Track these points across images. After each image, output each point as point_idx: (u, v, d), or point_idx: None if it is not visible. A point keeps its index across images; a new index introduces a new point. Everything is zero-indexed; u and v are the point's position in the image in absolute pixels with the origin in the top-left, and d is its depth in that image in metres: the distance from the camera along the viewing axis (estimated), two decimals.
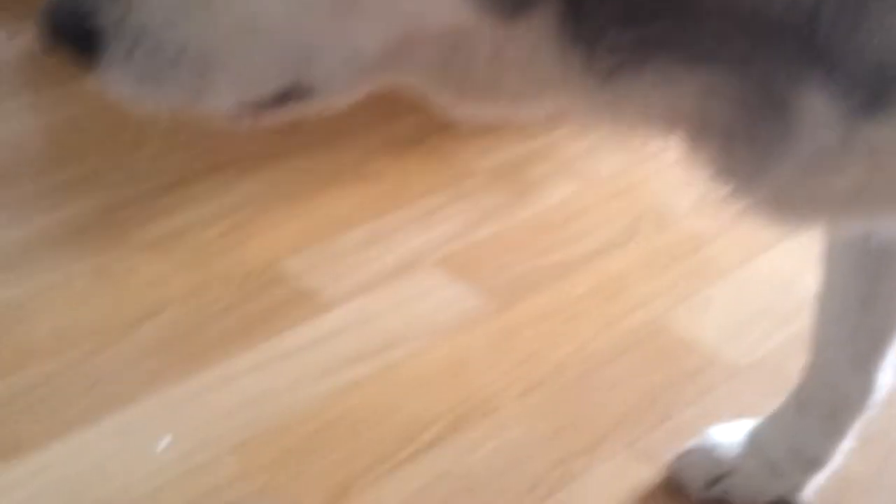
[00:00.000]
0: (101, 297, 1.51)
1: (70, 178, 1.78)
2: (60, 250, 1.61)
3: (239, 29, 0.64)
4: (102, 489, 1.23)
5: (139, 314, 1.48)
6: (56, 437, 1.30)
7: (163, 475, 1.25)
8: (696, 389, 1.34)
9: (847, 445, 1.16)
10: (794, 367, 1.17)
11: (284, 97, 0.67)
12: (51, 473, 1.26)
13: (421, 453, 1.28)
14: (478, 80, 0.69)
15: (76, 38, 0.64)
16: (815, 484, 1.18)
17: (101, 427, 1.31)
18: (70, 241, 1.64)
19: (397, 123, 1.83)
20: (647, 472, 1.24)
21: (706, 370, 1.37)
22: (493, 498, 1.21)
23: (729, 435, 1.21)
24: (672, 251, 1.56)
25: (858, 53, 0.63)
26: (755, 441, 1.19)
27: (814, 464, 1.17)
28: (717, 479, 1.19)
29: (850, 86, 0.65)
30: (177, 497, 1.22)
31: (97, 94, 0.67)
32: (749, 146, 0.69)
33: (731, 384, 1.35)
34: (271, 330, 1.45)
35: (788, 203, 0.73)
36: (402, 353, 1.41)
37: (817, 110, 0.65)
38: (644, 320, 1.44)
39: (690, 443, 1.22)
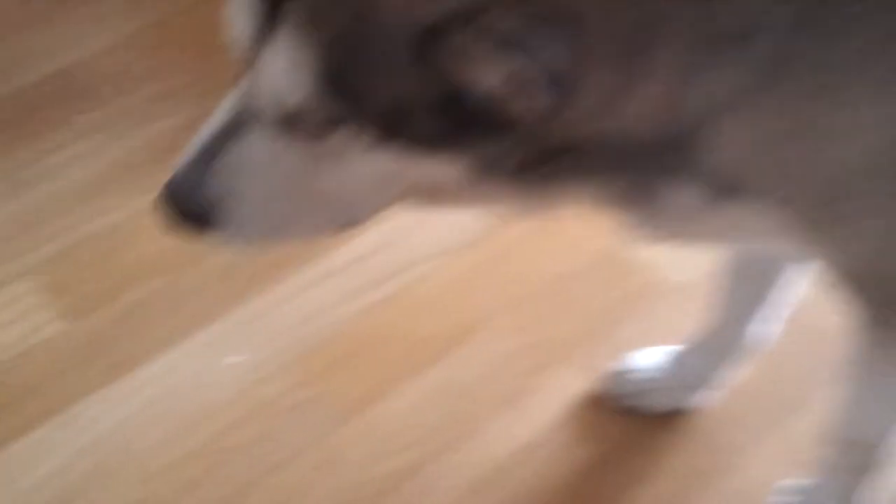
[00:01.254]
0: None
1: (154, 93, 2.10)
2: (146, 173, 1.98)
3: (310, 217, 1.05)
4: (196, 399, 1.66)
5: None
6: (157, 353, 1.72)
7: (239, 384, 1.68)
8: (636, 308, 1.74)
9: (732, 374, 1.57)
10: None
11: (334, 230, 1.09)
12: (156, 385, 1.68)
13: (430, 365, 1.70)
14: (450, 198, 1.07)
15: (195, 224, 1.05)
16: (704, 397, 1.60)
17: (189, 344, 1.74)
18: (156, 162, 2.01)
19: None
20: (588, 385, 1.66)
21: (647, 290, 1.76)
22: (477, 407, 1.64)
23: (644, 360, 1.62)
24: None
25: (710, 170, 1.01)
26: (663, 367, 1.61)
27: (704, 386, 1.59)
28: (632, 396, 1.61)
29: (707, 185, 1.03)
30: (253, 402, 1.65)
31: None
32: (637, 209, 1.09)
33: (666, 303, 1.75)
34: (315, 252, 1.85)
35: (677, 234, 1.15)
36: (416, 275, 1.82)
37: (683, 194, 1.04)
38: (605, 243, 1.83)
39: (617, 363, 1.64)
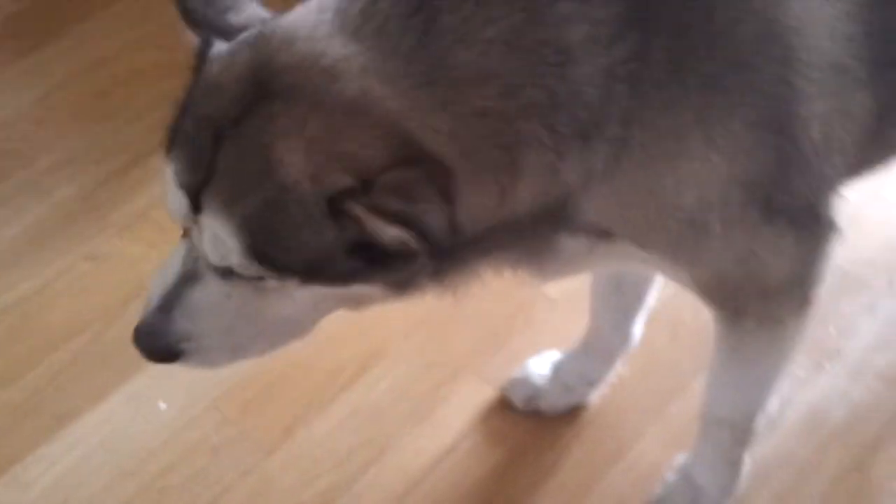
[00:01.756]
0: (96, 281, 2.04)
1: (51, 164, 2.20)
2: (54, 241, 2.09)
3: (261, 339, 1.23)
4: (127, 447, 1.79)
5: (126, 295, 2.01)
6: (87, 409, 1.85)
7: (166, 430, 1.82)
8: (522, 321, 1.94)
9: (617, 370, 1.78)
10: None
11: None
12: (89, 439, 1.81)
13: (342, 392, 1.86)
14: (377, 303, 1.25)
15: (165, 360, 1.23)
16: (597, 392, 1.81)
17: (116, 397, 1.86)
18: (62, 230, 2.12)
19: None
20: (490, 393, 1.85)
21: (529, 304, 1.96)
22: (388, 426, 1.81)
23: (539, 366, 1.82)
24: None
25: (588, 224, 1.22)
26: (556, 370, 1.80)
27: (595, 383, 1.79)
28: (532, 398, 1.80)
29: (587, 234, 1.23)
30: (181, 445, 1.79)
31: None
32: (534, 262, 1.28)
33: (548, 314, 1.94)
34: None
35: (562, 272, 1.36)
36: None
37: (570, 244, 1.25)
38: None
39: (515, 371, 1.83)
